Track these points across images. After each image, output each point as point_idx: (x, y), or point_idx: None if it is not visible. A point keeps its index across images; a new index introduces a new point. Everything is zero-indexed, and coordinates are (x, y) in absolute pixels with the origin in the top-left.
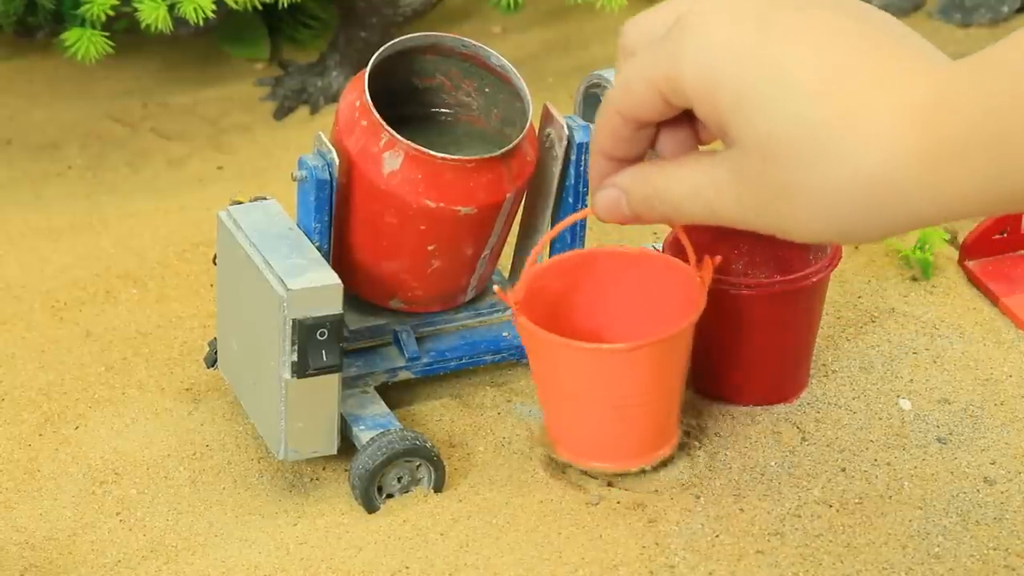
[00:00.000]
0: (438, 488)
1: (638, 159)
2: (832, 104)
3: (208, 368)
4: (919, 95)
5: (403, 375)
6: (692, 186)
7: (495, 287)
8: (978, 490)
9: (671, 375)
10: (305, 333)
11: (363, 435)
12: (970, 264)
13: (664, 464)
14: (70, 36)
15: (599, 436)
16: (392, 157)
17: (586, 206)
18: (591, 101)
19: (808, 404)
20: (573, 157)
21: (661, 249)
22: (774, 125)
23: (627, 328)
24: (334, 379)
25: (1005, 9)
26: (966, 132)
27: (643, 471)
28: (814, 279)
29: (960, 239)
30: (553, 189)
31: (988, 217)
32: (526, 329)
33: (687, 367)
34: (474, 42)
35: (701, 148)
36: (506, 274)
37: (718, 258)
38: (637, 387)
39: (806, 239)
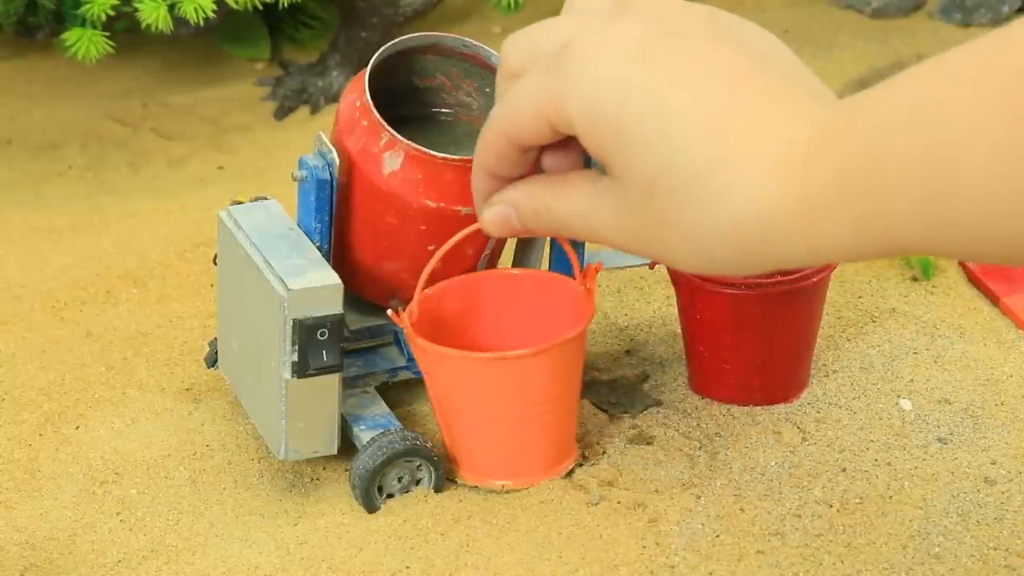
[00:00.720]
0: (438, 488)
1: (522, 177)
2: (711, 147)
3: (208, 368)
4: (797, 141)
5: (403, 375)
6: (578, 210)
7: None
8: (979, 490)
9: (571, 382)
10: (305, 333)
11: (363, 435)
12: (970, 264)
13: (660, 466)
14: (70, 36)
15: (504, 452)
16: (392, 157)
17: None
18: None
19: (808, 404)
20: None
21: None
22: (654, 165)
23: (519, 347)
24: (334, 379)
25: (1005, 9)
26: (837, 182)
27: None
28: (814, 279)
29: None
30: None
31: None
32: (425, 350)
33: (581, 380)
34: (475, 42)
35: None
36: None
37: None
38: (541, 394)
39: (685, 270)
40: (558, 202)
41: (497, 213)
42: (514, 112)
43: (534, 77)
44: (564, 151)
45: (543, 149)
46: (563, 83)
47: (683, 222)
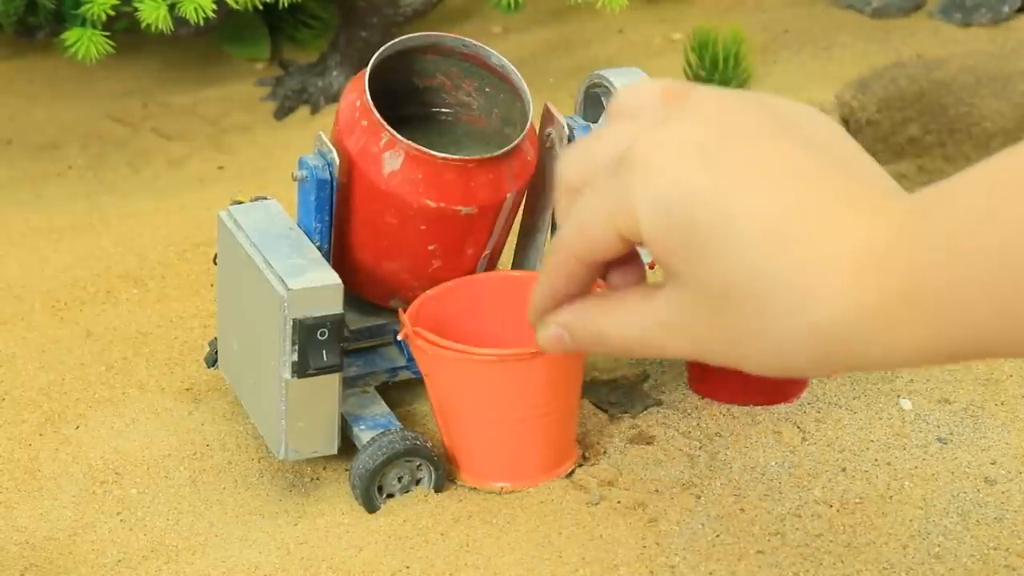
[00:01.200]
0: (438, 488)
1: (584, 292)
2: (785, 253)
3: (208, 368)
4: (871, 243)
5: (403, 375)
6: (641, 330)
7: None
8: (978, 490)
9: (571, 385)
10: (305, 333)
11: (363, 435)
12: None
13: (654, 465)
14: (70, 36)
15: (503, 454)
16: (392, 157)
17: None
18: (592, 101)
19: (808, 404)
20: None
21: None
22: (727, 273)
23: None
24: (334, 379)
25: (1005, 9)
26: (914, 283)
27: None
28: None
29: None
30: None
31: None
32: (425, 351)
33: (581, 383)
34: (474, 42)
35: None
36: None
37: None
38: (540, 396)
39: (759, 374)
40: (612, 328)
41: (552, 335)
42: (584, 228)
43: (598, 189)
44: (629, 268)
45: (608, 264)
46: (625, 190)
47: (759, 329)
